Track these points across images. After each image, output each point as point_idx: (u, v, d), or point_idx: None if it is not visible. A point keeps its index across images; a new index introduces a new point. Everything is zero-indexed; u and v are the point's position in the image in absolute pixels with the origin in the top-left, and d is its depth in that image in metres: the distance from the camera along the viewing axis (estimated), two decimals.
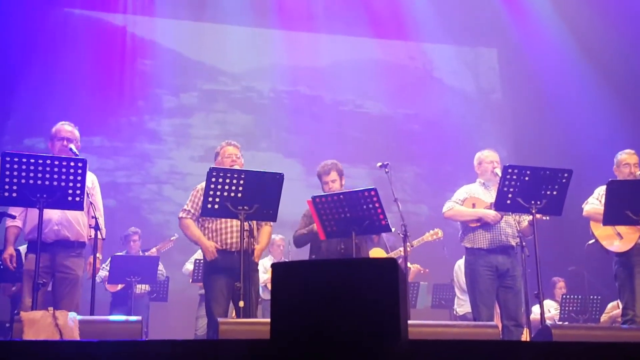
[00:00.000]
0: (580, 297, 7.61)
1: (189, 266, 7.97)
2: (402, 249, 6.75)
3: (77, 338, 3.75)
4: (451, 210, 5.62)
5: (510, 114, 11.01)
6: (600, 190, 5.51)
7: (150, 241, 8.32)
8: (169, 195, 10.05)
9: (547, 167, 5.04)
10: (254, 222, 5.03)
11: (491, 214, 5.39)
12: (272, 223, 5.20)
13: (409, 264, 6.72)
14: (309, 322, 2.02)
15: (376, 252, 6.53)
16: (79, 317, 3.96)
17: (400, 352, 1.96)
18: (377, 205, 4.85)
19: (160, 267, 7.83)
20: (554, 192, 4.99)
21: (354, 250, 4.89)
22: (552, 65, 10.01)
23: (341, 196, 4.94)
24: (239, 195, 4.62)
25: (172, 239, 8.24)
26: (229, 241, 5.02)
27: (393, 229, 5.38)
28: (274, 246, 8.24)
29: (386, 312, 1.99)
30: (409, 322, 2.26)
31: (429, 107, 10.85)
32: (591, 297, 7.60)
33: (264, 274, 7.47)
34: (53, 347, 2.27)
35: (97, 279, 5.91)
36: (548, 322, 5.61)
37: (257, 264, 5.15)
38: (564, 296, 7.70)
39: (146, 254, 7.94)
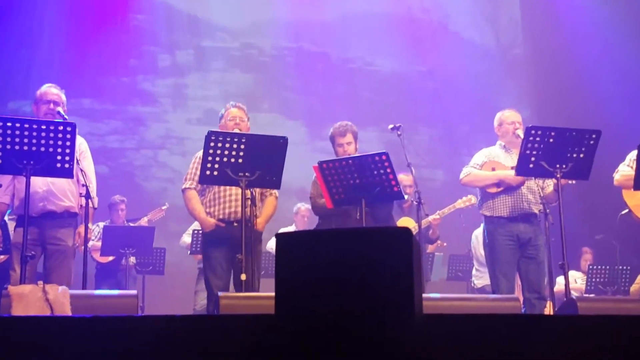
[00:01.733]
0: (608, 267, 7.62)
1: (187, 238, 8.01)
2: (433, 216, 6.78)
3: (69, 313, 3.79)
4: (469, 175, 5.61)
5: (533, 71, 10.92)
6: (632, 156, 5.47)
7: (146, 210, 8.35)
8: (165, 160, 10.07)
9: (574, 128, 5.01)
10: (257, 190, 5.03)
11: (512, 174, 5.35)
12: (277, 191, 5.19)
13: (431, 217, 6.74)
14: (316, 296, 2.03)
15: (405, 222, 6.54)
16: (71, 291, 3.99)
17: (414, 327, 1.96)
18: (388, 170, 4.84)
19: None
20: (581, 155, 4.96)
21: (363, 219, 4.89)
22: (580, 16, 9.89)
23: (350, 161, 4.93)
24: (240, 160, 4.61)
25: (163, 208, 8.27)
26: (227, 210, 5.02)
27: (406, 196, 5.38)
28: (298, 215, 8.27)
29: (399, 285, 1.99)
30: (424, 295, 2.27)
31: (444, 64, 10.76)
32: (620, 267, 7.61)
33: None
34: (43, 323, 2.29)
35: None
36: (573, 294, 5.62)
37: (261, 234, 5.16)
38: (591, 267, 7.72)
39: (131, 224, 7.97)
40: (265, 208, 5.20)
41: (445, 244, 7.92)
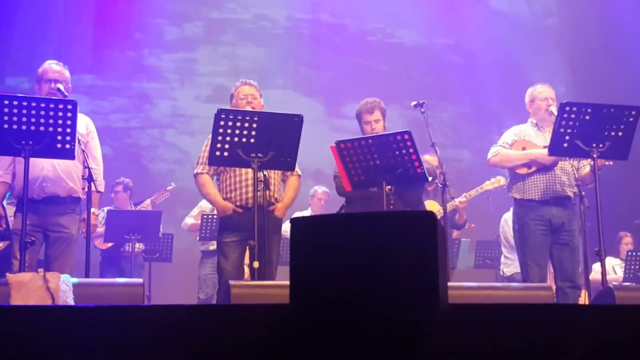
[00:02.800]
0: None
1: (189, 220, 8.04)
2: (459, 199, 6.76)
3: (71, 303, 3.82)
4: (497, 155, 5.58)
5: (568, 43, 10.81)
6: None
7: (152, 193, 8.39)
8: (172, 140, 10.10)
9: (612, 104, 4.96)
10: (274, 172, 5.04)
11: (544, 152, 5.31)
12: (299, 171, 5.20)
13: (457, 200, 6.72)
14: (333, 285, 2.03)
15: (429, 206, 6.53)
16: (74, 280, 4.02)
17: (438, 318, 1.96)
18: (411, 150, 4.82)
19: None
20: (619, 133, 4.92)
21: (384, 202, 4.88)
22: None
23: (369, 141, 4.91)
24: (252, 140, 4.61)
25: (168, 188, 8.29)
26: (244, 196, 5.04)
27: (430, 178, 5.36)
28: (314, 199, 8.28)
29: (423, 273, 1.99)
30: (449, 284, 2.26)
31: (472, 36, 10.68)
32: None
33: None
34: (44, 313, 2.31)
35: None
36: (610, 283, 5.59)
37: (280, 221, 5.17)
38: (630, 253, 7.67)
39: (137, 207, 8.01)
40: (286, 191, 5.20)
41: (473, 226, 7.89)
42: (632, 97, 7.52)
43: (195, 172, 5.21)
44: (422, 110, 5.53)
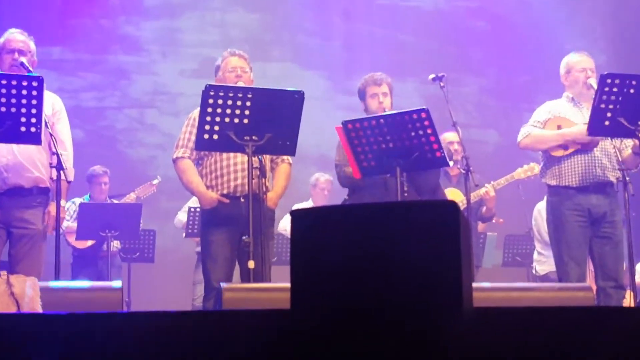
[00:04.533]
0: None
1: (183, 216, 8.06)
2: (485, 188, 6.74)
3: (39, 310, 3.83)
4: (528, 136, 5.58)
5: (610, 5, 10.77)
6: None
7: (130, 184, 8.40)
8: (154, 122, 10.10)
9: None
10: (266, 157, 5.04)
11: (583, 129, 5.29)
12: (290, 158, 5.20)
13: (482, 189, 6.71)
14: (340, 287, 2.03)
15: (451, 195, 6.53)
16: (42, 283, 4.03)
17: (462, 324, 1.96)
18: (429, 131, 4.82)
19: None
20: None
21: (399, 192, 4.88)
22: None
23: (381, 120, 4.91)
24: (245, 121, 4.61)
25: (154, 182, 8.30)
26: (233, 183, 5.04)
27: (451, 163, 5.36)
28: (317, 188, 8.30)
29: (443, 272, 1.99)
30: (474, 285, 2.26)
31: None
32: None
33: None
34: (7, 322, 2.31)
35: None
36: None
37: (273, 213, 5.17)
38: None
39: (114, 201, 8.02)
40: (277, 179, 5.21)
41: (502, 221, 7.89)
42: None
43: (174, 156, 5.19)
44: (442, 84, 5.52)
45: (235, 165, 5.05)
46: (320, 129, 6.98)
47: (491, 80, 10.76)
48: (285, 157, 5.17)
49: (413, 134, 4.84)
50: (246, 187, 4.82)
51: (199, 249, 7.71)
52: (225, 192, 5.05)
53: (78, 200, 7.75)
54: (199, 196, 5.15)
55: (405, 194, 5.05)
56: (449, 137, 6.59)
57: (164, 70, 10.21)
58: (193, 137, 4.97)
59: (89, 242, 7.75)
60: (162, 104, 10.16)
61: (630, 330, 2.32)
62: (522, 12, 10.59)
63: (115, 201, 8.08)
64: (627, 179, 5.19)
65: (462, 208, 5.39)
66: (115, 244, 7.79)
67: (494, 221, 7.49)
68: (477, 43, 10.56)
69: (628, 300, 5.73)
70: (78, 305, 4.05)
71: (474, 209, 6.71)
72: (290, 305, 2.08)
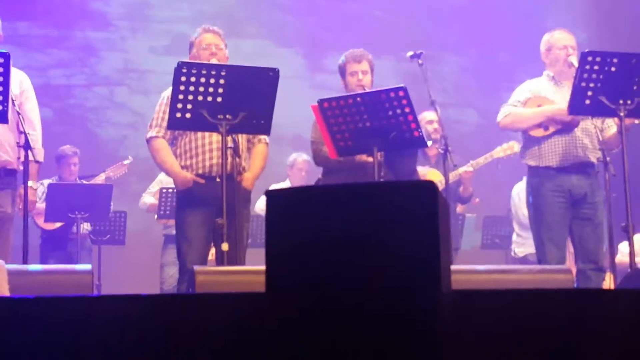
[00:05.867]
0: None
1: (148, 199, 8.02)
2: (464, 168, 6.79)
3: (7, 294, 3.81)
4: (509, 115, 5.59)
5: None
6: None
7: (100, 164, 8.36)
8: (124, 100, 10.04)
9: None
10: (242, 136, 5.03)
11: (563, 107, 5.32)
12: (267, 138, 5.19)
13: (461, 169, 6.75)
14: (316, 269, 2.04)
15: (430, 175, 6.55)
16: (9, 267, 4.01)
17: (440, 306, 1.97)
18: (407, 110, 4.83)
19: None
20: None
21: (376, 172, 4.89)
22: None
23: (358, 98, 4.91)
24: (219, 99, 4.60)
25: (125, 162, 8.26)
26: (208, 163, 5.03)
27: (429, 143, 5.37)
28: (294, 169, 8.30)
29: (421, 254, 1.99)
30: (452, 267, 2.27)
31: None
32: None
33: None
34: None
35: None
36: None
37: (249, 194, 5.17)
38: None
39: (84, 182, 7.98)
40: (254, 160, 5.20)
41: (478, 200, 7.93)
42: None
43: (148, 135, 5.16)
44: (420, 62, 5.52)
45: (210, 145, 5.03)
46: (295, 108, 6.95)
47: (470, 58, 10.78)
48: (261, 136, 5.16)
49: (390, 112, 4.84)
50: (218, 167, 4.81)
51: (165, 231, 7.70)
52: (200, 172, 5.03)
53: (47, 182, 7.70)
54: (174, 176, 5.13)
55: (382, 177, 5.06)
56: (427, 117, 6.61)
57: (134, 46, 10.15)
58: (165, 117, 4.95)
59: (58, 224, 7.71)
60: (132, 82, 10.09)
61: (609, 312, 2.34)
62: None
63: (85, 182, 8.03)
64: (608, 159, 5.21)
65: (440, 189, 5.40)
66: (85, 226, 7.76)
67: (476, 201, 7.53)
68: (456, 20, 10.57)
69: (608, 283, 5.78)
70: (47, 288, 4.04)
71: (452, 190, 6.75)
72: (265, 289, 2.08)
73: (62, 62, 9.91)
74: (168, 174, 5.30)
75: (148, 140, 5.16)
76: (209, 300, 2.45)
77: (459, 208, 7.48)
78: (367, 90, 5.22)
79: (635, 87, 4.94)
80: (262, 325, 2.08)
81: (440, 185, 5.68)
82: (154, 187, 7.96)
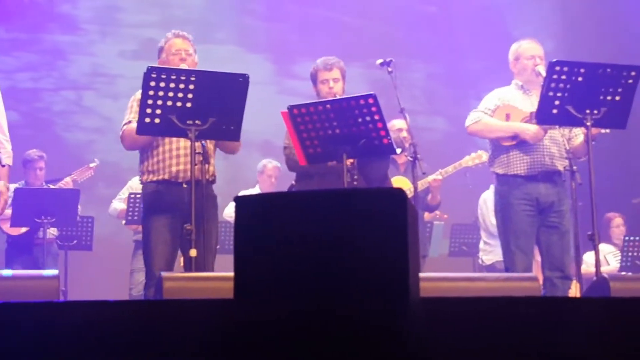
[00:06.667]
0: None
1: (118, 205, 7.98)
2: (433, 176, 6.82)
3: None
4: (478, 123, 5.62)
5: None
6: None
7: (67, 169, 8.30)
8: (92, 105, 9.98)
9: (608, 64, 5.02)
10: (210, 142, 5.02)
11: (532, 129, 5.39)
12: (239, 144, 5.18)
13: (430, 177, 6.79)
14: (285, 276, 2.04)
15: (399, 183, 6.56)
16: None
17: (408, 314, 1.98)
18: (376, 117, 4.84)
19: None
20: (617, 98, 4.99)
21: (345, 179, 4.89)
22: None
23: (328, 105, 4.92)
24: (188, 105, 4.58)
25: (91, 165, 8.21)
26: (174, 168, 5.00)
27: (399, 150, 5.39)
28: (263, 175, 8.28)
29: (390, 261, 2.00)
30: (421, 275, 2.28)
31: None
32: None
33: None
34: None
35: None
36: (605, 272, 5.71)
37: (215, 199, 5.16)
38: (627, 238, 7.83)
39: (51, 186, 7.92)
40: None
41: (446, 217, 7.98)
42: (630, 56, 7.61)
43: (121, 130, 5.04)
44: (389, 69, 5.53)
45: (177, 150, 5.01)
46: (265, 114, 6.96)
47: (439, 66, 10.83)
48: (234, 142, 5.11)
49: (360, 120, 4.85)
50: (188, 173, 4.79)
51: (136, 237, 7.66)
52: (166, 177, 5.00)
53: (13, 186, 7.62)
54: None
55: (355, 183, 5.07)
56: (396, 124, 6.62)
57: (103, 50, 10.09)
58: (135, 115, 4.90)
59: (24, 229, 7.64)
60: (100, 86, 10.04)
61: (575, 320, 2.36)
62: None
63: (51, 186, 7.97)
64: (575, 168, 5.24)
65: (409, 196, 5.42)
66: (52, 231, 7.69)
67: (437, 214, 7.56)
68: (426, 28, 10.62)
69: (574, 291, 5.82)
70: (12, 294, 4.00)
71: (421, 198, 6.77)
72: (233, 295, 2.08)
73: (29, 66, 9.84)
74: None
75: (123, 132, 5.03)
76: (176, 306, 2.44)
77: (427, 216, 7.50)
78: (338, 97, 5.23)
79: (601, 97, 4.98)
80: (230, 332, 2.08)
81: (409, 193, 5.69)
82: (124, 193, 7.92)
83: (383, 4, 10.66)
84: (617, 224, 8.41)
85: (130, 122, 4.99)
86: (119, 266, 7.83)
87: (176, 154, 5.01)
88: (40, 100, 9.88)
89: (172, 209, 4.91)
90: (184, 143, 4.94)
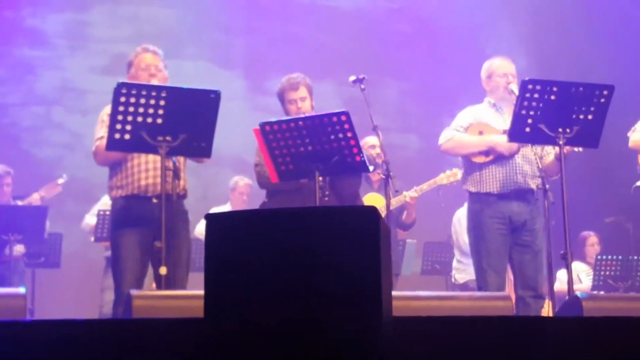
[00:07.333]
0: (620, 257, 7.78)
1: (91, 220, 7.93)
2: (409, 193, 6.84)
3: None
4: (451, 140, 5.65)
5: (533, 10, 10.99)
6: None
7: (36, 185, 8.24)
8: (61, 120, 9.92)
9: (581, 82, 5.07)
10: (181, 158, 5.00)
11: (505, 140, 5.40)
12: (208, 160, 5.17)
13: (407, 195, 6.82)
14: (256, 295, 2.03)
15: (373, 200, 6.57)
16: None
17: (381, 332, 1.98)
18: (349, 134, 4.85)
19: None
20: (589, 117, 5.03)
21: (317, 197, 4.90)
22: None
23: (300, 122, 4.92)
24: (159, 121, 4.57)
25: (59, 181, 8.16)
26: (142, 182, 4.97)
27: (371, 168, 5.40)
28: (235, 192, 8.28)
29: (362, 280, 2.00)
30: (393, 293, 2.29)
31: (421, 0, 10.78)
32: (635, 257, 7.78)
33: None
34: None
35: None
36: (577, 291, 5.74)
37: (186, 214, 5.13)
38: (599, 257, 7.87)
39: (18, 202, 7.86)
40: None
41: (414, 241, 7.99)
42: (606, 73, 7.70)
43: (94, 147, 5.02)
44: (362, 87, 5.55)
45: (146, 164, 4.99)
46: (237, 130, 6.94)
47: (412, 83, 10.87)
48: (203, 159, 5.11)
49: (333, 137, 4.86)
50: (158, 187, 4.77)
51: (107, 253, 7.60)
52: (135, 192, 4.98)
53: None
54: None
55: (326, 199, 5.07)
56: (369, 141, 6.64)
57: (73, 65, 10.04)
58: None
59: None
60: (69, 102, 9.98)
61: (548, 340, 2.37)
62: (444, 16, 10.73)
63: (19, 202, 7.90)
64: (547, 186, 5.27)
65: (383, 214, 5.42)
66: (19, 248, 7.62)
67: (408, 233, 7.58)
68: (399, 45, 10.66)
69: (546, 310, 5.84)
70: None
71: (395, 216, 6.79)
72: (203, 314, 2.07)
73: None
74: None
75: (96, 148, 5.00)
76: (145, 325, 2.43)
77: (400, 234, 7.51)
78: (308, 114, 5.24)
79: (574, 116, 5.02)
80: (201, 351, 2.07)
81: (383, 211, 5.70)
82: (98, 208, 7.87)
83: (356, 21, 10.70)
84: (592, 242, 8.47)
85: (102, 137, 4.96)
86: (89, 284, 7.77)
87: (145, 168, 4.99)
88: (7, 116, 9.81)
89: (142, 224, 4.88)
90: (153, 157, 4.92)
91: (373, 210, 2.05)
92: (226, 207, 8.19)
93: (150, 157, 4.93)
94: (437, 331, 2.31)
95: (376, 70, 9.37)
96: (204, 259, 2.12)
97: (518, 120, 5.07)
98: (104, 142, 4.91)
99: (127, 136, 4.58)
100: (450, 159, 6.63)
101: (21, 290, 4.36)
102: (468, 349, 2.28)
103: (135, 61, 5.17)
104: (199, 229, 7.71)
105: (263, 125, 4.96)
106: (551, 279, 5.34)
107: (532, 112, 5.03)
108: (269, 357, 1.99)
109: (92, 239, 7.69)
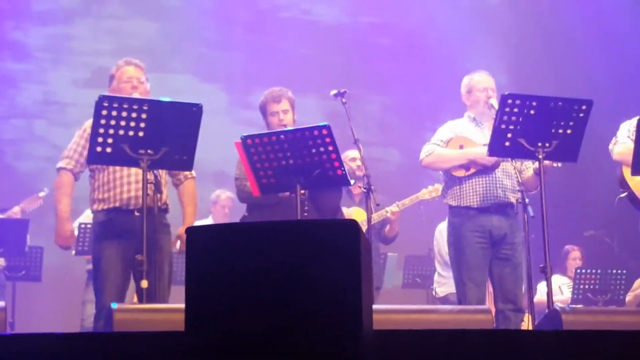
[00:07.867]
0: (599, 271, 7.82)
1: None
2: (391, 208, 6.86)
3: None
4: (431, 155, 5.66)
5: (512, 26, 11.06)
6: (630, 126, 5.60)
7: (17, 198, 8.20)
8: (43, 134, 9.88)
9: (560, 97, 5.09)
10: (163, 171, 4.99)
11: (486, 153, 5.41)
12: (193, 172, 5.17)
13: (389, 210, 6.83)
14: (236, 308, 2.03)
15: (355, 214, 6.57)
16: None
17: (362, 346, 1.98)
18: (330, 148, 4.86)
19: None
20: (568, 131, 5.06)
21: (298, 210, 4.90)
22: None
23: (282, 136, 4.93)
24: (141, 134, 4.56)
25: (40, 195, 8.12)
26: (125, 195, 4.96)
27: (352, 182, 5.40)
28: (217, 206, 8.25)
29: (343, 293, 2.00)
30: (374, 307, 2.29)
31: (402, 15, 10.81)
32: (614, 271, 7.82)
33: None
34: None
35: None
36: (557, 305, 5.75)
37: (169, 227, 5.12)
38: (579, 271, 7.91)
39: (0, 215, 7.82)
40: (186, 203, 5.16)
41: (395, 254, 7.98)
42: (585, 88, 7.74)
43: (58, 165, 5.08)
44: (344, 100, 5.56)
45: (128, 177, 4.98)
46: (219, 144, 6.93)
47: (394, 98, 10.89)
48: (187, 172, 5.12)
49: (314, 150, 4.87)
50: (139, 200, 4.77)
51: (89, 266, 7.56)
52: (117, 204, 4.96)
53: None
54: (57, 221, 5.05)
55: (306, 214, 5.07)
56: (350, 154, 6.65)
57: (55, 79, 10.01)
58: (82, 150, 4.91)
59: None
60: (52, 115, 9.94)
61: (527, 353, 2.38)
62: (425, 31, 10.77)
63: (0, 215, 7.86)
64: (527, 200, 5.28)
65: (363, 228, 5.43)
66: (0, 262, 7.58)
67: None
68: (381, 60, 10.69)
69: (526, 324, 5.85)
70: None
71: (377, 229, 6.79)
72: (184, 327, 2.06)
73: None
74: (55, 215, 5.18)
75: (58, 170, 5.09)
76: (126, 339, 2.41)
77: (381, 247, 7.52)
78: (290, 128, 5.25)
79: (553, 130, 5.05)
80: None
81: (364, 225, 5.71)
82: (82, 220, 7.84)
83: (338, 35, 10.73)
84: (575, 257, 8.50)
85: (65, 168, 5.01)
86: (70, 297, 7.72)
87: (127, 181, 4.98)
88: None
89: (124, 237, 4.87)
90: (134, 170, 4.91)
91: (354, 223, 2.05)
92: (208, 221, 8.17)
93: (132, 170, 4.93)
94: (418, 344, 2.31)
95: (358, 84, 9.39)
96: (185, 273, 2.11)
97: (498, 135, 5.09)
98: (61, 177, 5.05)
99: (108, 149, 4.57)
100: (431, 173, 6.66)
101: (1, 303, 4.33)
102: None
103: (117, 74, 5.17)
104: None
105: (245, 138, 4.96)
106: (531, 293, 5.34)
107: (511, 127, 5.04)
108: None
109: (73, 252, 7.65)
